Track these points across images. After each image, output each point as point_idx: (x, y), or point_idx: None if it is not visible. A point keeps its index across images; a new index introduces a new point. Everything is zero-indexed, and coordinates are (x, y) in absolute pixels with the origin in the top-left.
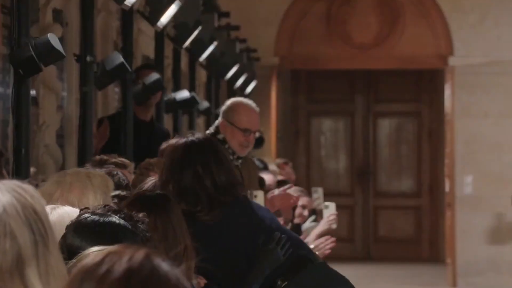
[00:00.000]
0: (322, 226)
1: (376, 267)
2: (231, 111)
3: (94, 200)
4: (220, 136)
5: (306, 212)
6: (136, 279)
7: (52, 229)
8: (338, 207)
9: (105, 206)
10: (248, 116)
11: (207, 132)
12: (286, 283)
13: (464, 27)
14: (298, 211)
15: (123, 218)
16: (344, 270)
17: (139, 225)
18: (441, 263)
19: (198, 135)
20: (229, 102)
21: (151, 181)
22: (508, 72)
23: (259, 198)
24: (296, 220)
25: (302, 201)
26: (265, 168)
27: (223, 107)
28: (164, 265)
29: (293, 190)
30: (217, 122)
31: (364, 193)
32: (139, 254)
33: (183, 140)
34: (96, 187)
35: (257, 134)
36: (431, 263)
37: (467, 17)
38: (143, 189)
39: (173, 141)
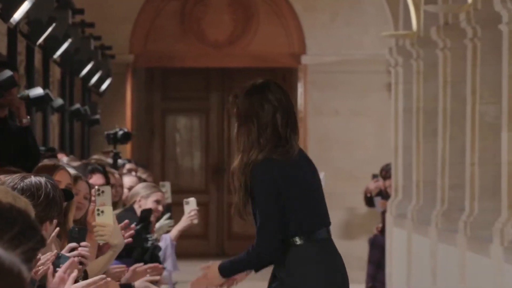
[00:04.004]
0: (183, 222)
1: None
2: None
3: None
4: None
5: (160, 208)
6: None
7: None
8: None
9: None
10: None
11: None
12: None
13: (316, 26)
14: (152, 205)
15: None
16: (198, 267)
17: None
18: None
19: None
20: None
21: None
22: (358, 70)
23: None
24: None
25: (156, 196)
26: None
27: None
28: (4, 255)
29: (144, 186)
30: None
31: (219, 190)
32: None
33: None
34: None
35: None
36: None
37: (319, 16)
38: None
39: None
